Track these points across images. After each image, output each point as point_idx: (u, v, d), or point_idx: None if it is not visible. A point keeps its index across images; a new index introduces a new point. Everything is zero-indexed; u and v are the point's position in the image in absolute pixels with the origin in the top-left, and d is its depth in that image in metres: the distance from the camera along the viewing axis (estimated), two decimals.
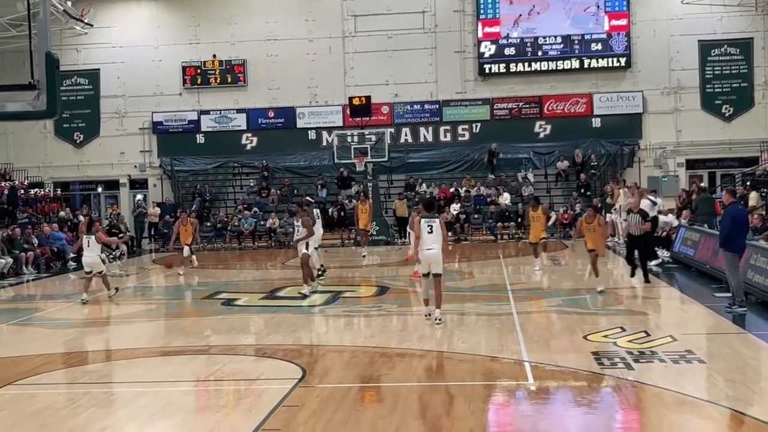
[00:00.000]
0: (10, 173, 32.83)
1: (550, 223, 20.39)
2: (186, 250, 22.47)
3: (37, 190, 32.73)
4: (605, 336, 11.90)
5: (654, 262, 19.89)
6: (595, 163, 33.81)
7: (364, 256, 25.32)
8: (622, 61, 34.32)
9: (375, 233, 29.09)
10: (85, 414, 8.82)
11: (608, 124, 34.48)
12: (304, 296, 16.81)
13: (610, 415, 8.49)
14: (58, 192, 34.46)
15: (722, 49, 34.06)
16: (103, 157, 36.71)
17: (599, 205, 26.78)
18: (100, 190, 37.55)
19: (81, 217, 30.02)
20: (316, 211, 19.91)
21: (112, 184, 37.26)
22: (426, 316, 13.44)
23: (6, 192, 29.83)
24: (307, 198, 22.76)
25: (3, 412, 9.00)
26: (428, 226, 13.06)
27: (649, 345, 11.16)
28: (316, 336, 13.50)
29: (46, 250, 25.75)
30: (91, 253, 17.63)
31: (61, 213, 30.29)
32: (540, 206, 20.40)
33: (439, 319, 13.14)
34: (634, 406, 8.73)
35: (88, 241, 17.61)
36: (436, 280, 13.11)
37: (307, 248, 17.07)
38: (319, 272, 19.06)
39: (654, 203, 21.44)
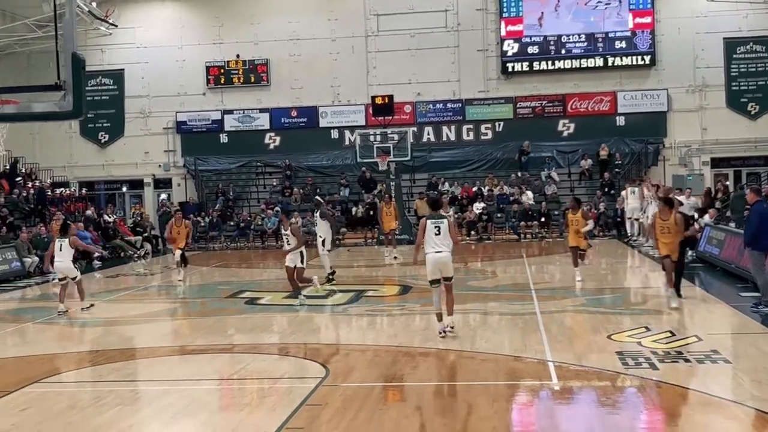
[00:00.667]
0: (36, 173, 33.10)
1: (585, 229, 17.62)
2: (178, 254, 20.35)
3: (62, 189, 32.96)
4: (630, 336, 11.83)
5: None
6: (619, 162, 33.61)
7: (395, 258, 23.61)
8: (647, 59, 34.12)
9: (398, 233, 28.89)
10: (110, 412, 8.88)
11: (632, 123, 34.28)
12: (297, 306, 15.82)
13: (635, 416, 8.43)
14: (84, 191, 34.68)
15: (748, 47, 33.77)
16: (127, 156, 36.97)
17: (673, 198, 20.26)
18: (124, 189, 37.82)
19: (106, 217, 30.24)
20: (318, 214, 19.65)
21: (136, 184, 37.52)
22: (440, 334, 12.07)
23: (32, 192, 30.11)
24: (317, 198, 22.10)
25: (30, 410, 9.08)
26: (435, 227, 12.01)
27: (674, 345, 11.09)
28: (339, 335, 13.51)
29: None
30: (64, 258, 16.35)
31: (88, 212, 30.49)
32: (580, 209, 18.11)
33: (452, 327, 12.22)
34: (658, 407, 8.67)
35: (61, 245, 16.39)
36: (448, 285, 12.13)
37: (302, 261, 15.97)
38: (329, 276, 18.81)
39: (680, 203, 21.11)
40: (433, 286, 12.12)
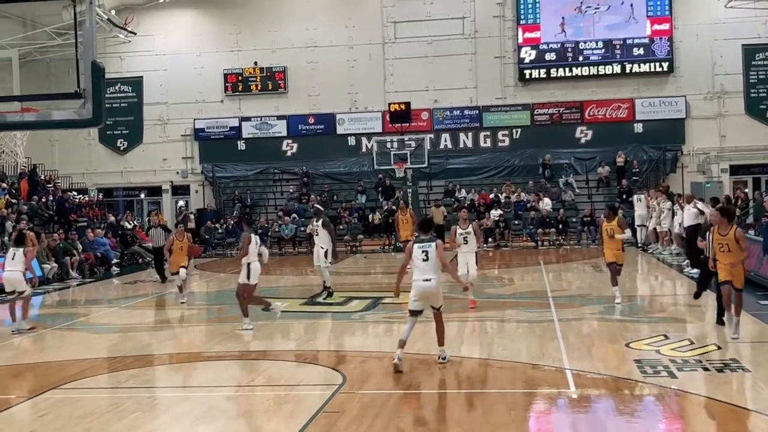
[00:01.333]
0: (54, 179, 33.31)
1: (622, 236, 15.44)
2: (182, 272, 18.21)
3: (81, 196, 33.14)
4: (648, 344, 11.77)
5: (696, 271, 19.60)
6: (637, 170, 33.47)
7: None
8: (665, 65, 34.00)
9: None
10: (128, 418, 8.92)
11: (650, 130, 34.14)
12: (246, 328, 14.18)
13: (654, 424, 8.39)
14: (101, 197, 34.86)
15: (766, 53, 33.58)
16: (145, 163, 37.17)
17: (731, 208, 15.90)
18: (142, 196, 38.01)
19: (126, 224, 30.43)
20: (320, 222, 17.80)
21: (154, 191, 37.69)
22: (396, 361, 10.47)
23: (51, 198, 30.29)
24: (317, 206, 20.31)
25: (49, 415, 9.13)
26: (423, 251, 10.67)
27: (693, 353, 11.02)
28: (356, 342, 13.51)
29: (90, 255, 26.09)
30: (14, 268, 14.95)
31: (111, 219, 30.75)
32: (617, 217, 15.68)
33: (444, 358, 10.94)
34: (677, 415, 8.61)
35: (14, 254, 15.03)
36: (437, 315, 11.01)
37: (248, 277, 14.10)
38: (328, 291, 17.73)
39: (701, 212, 20.87)
40: (411, 316, 10.89)
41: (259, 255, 14.34)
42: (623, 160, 33.33)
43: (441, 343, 11.07)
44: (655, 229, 26.05)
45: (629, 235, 15.42)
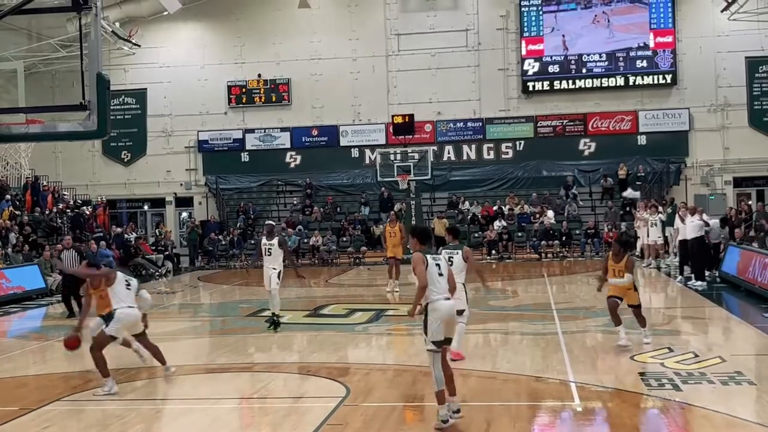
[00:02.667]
0: (59, 191, 33.36)
1: (619, 282, 12.54)
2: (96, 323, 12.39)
3: (85, 207, 33.19)
4: (652, 356, 11.74)
5: (699, 284, 19.61)
6: (642, 174, 33.39)
7: (396, 292, 20.69)
8: (668, 78, 34.05)
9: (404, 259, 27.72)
10: (132, 430, 8.90)
11: (654, 142, 34.16)
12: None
13: None
14: (100, 209, 34.90)
15: None
16: (149, 175, 37.22)
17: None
18: (146, 208, 38.04)
19: (128, 235, 30.47)
20: (274, 241, 15.66)
21: (158, 202, 37.73)
22: (442, 423, 8.53)
23: (55, 210, 30.35)
24: (270, 222, 17.18)
25: (52, 428, 9.11)
26: (436, 264, 8.88)
27: (698, 366, 10.99)
28: (359, 354, 13.49)
29: None
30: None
31: (118, 229, 30.87)
32: (626, 257, 12.58)
33: (458, 410, 8.78)
34: (682, 428, 8.59)
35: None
36: (447, 350, 9.19)
37: (106, 325, 11.12)
38: (275, 321, 15.50)
39: (706, 224, 20.83)
40: (439, 349, 8.70)
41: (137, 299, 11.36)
42: (625, 173, 33.31)
43: (454, 390, 8.87)
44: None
45: (629, 280, 12.45)
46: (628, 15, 34.33)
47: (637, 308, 12.69)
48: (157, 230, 34.10)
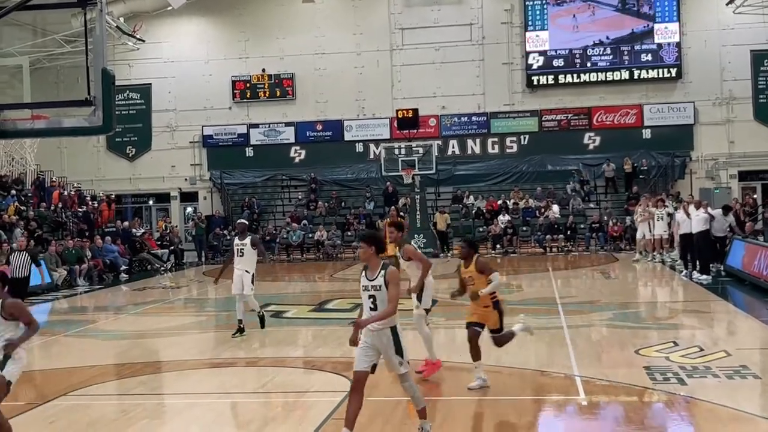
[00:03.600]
0: (64, 186, 33.42)
1: (485, 291, 9.82)
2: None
3: (93, 202, 33.23)
4: (657, 350, 11.73)
5: (704, 278, 19.58)
6: (645, 168, 33.32)
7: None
8: (673, 71, 33.99)
9: (422, 245, 27.84)
10: (137, 425, 8.93)
11: (659, 136, 34.10)
12: None
13: (664, 431, 8.36)
14: (104, 204, 34.97)
15: None
16: (154, 170, 37.25)
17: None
18: (151, 203, 38.08)
19: (134, 231, 30.56)
20: (246, 241, 14.35)
21: (163, 197, 37.76)
22: None
23: (61, 207, 30.42)
24: (243, 221, 15.57)
25: (59, 422, 9.15)
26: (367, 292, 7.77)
27: (703, 360, 10.98)
28: None
29: (99, 262, 26.16)
30: None
31: (125, 224, 31.00)
32: (475, 258, 10.04)
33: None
34: (687, 422, 8.59)
35: None
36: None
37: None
38: (239, 329, 14.16)
39: (712, 217, 20.74)
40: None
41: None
42: (630, 167, 33.25)
43: (423, 415, 7.97)
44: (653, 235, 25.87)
45: (495, 285, 9.89)
46: (632, 8, 34.25)
47: (496, 332, 10.14)
48: (164, 224, 33.99)
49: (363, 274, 7.79)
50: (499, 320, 10.09)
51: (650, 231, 25.34)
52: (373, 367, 7.83)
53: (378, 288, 7.62)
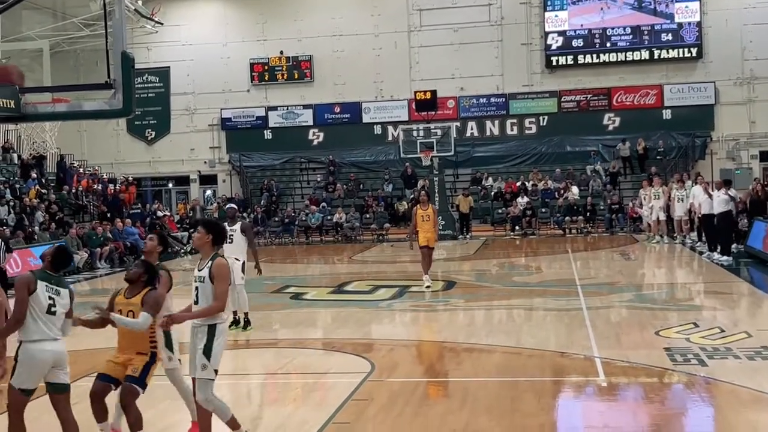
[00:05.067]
0: (84, 169, 33.62)
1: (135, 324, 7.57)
2: None
3: (111, 186, 33.43)
4: (678, 332, 11.70)
5: (725, 259, 19.46)
6: (662, 149, 33.08)
7: (428, 287, 16.81)
8: (694, 51, 33.66)
9: (441, 228, 27.02)
10: (159, 406, 9.00)
11: (679, 116, 33.83)
12: None
13: (684, 412, 8.35)
14: (122, 187, 35.17)
15: None
16: (173, 153, 37.39)
17: None
18: (170, 185, 38.24)
19: (159, 213, 30.87)
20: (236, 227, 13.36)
21: (182, 180, 37.91)
22: None
23: (80, 189, 30.61)
24: (232, 206, 15.21)
25: (80, 404, 9.20)
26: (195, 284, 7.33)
27: (724, 341, 10.94)
28: (383, 330, 13.53)
29: (120, 244, 26.31)
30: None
31: (154, 206, 31.43)
32: (146, 289, 7.75)
33: None
34: (708, 403, 8.57)
35: None
36: None
37: None
38: (245, 319, 13.36)
39: (732, 198, 20.54)
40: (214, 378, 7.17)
41: None
42: (643, 148, 32.95)
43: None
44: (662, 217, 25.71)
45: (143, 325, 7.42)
46: None
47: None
48: (191, 207, 33.87)
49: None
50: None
51: (656, 213, 25.33)
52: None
53: (202, 280, 7.13)
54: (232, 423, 7.20)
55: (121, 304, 7.65)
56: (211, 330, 7.02)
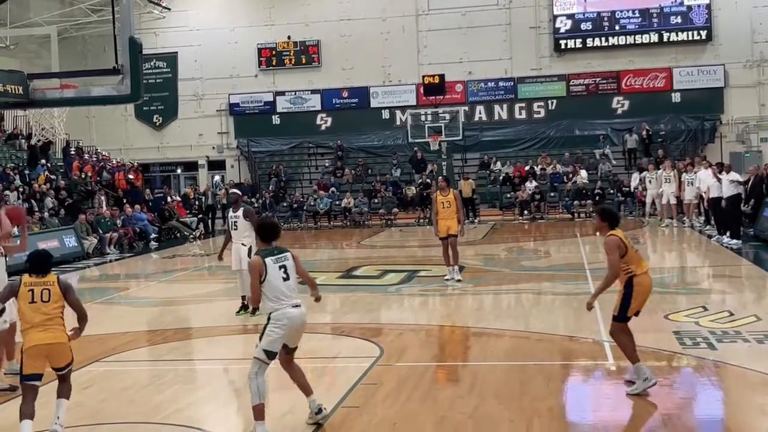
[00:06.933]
0: (93, 155, 33.68)
1: None
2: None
3: (119, 171, 33.44)
4: (687, 315, 11.69)
5: (735, 242, 19.40)
6: (664, 132, 32.93)
7: (458, 281, 15.72)
8: (703, 34, 33.47)
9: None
10: (170, 390, 9.05)
11: (688, 99, 33.67)
12: None
13: (693, 396, 8.35)
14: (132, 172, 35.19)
15: None
16: (181, 138, 37.43)
17: None
18: (179, 171, 38.30)
19: (170, 198, 31.01)
20: (239, 212, 13.33)
21: (191, 166, 37.98)
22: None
23: (88, 175, 30.66)
24: (235, 191, 14.93)
25: (92, 388, 9.29)
26: (280, 266, 7.79)
27: (733, 324, 10.92)
28: (392, 315, 13.56)
29: (129, 230, 26.37)
30: None
31: (167, 190, 31.93)
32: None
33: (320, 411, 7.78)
34: (717, 387, 8.57)
35: None
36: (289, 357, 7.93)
37: None
38: (243, 306, 13.36)
39: (740, 182, 20.48)
40: (269, 360, 7.66)
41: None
42: (646, 132, 32.79)
43: (308, 391, 7.86)
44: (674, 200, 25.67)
45: None
46: None
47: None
48: (202, 192, 33.71)
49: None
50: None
51: (666, 196, 25.36)
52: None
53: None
54: (258, 410, 7.42)
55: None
56: (268, 318, 7.70)
